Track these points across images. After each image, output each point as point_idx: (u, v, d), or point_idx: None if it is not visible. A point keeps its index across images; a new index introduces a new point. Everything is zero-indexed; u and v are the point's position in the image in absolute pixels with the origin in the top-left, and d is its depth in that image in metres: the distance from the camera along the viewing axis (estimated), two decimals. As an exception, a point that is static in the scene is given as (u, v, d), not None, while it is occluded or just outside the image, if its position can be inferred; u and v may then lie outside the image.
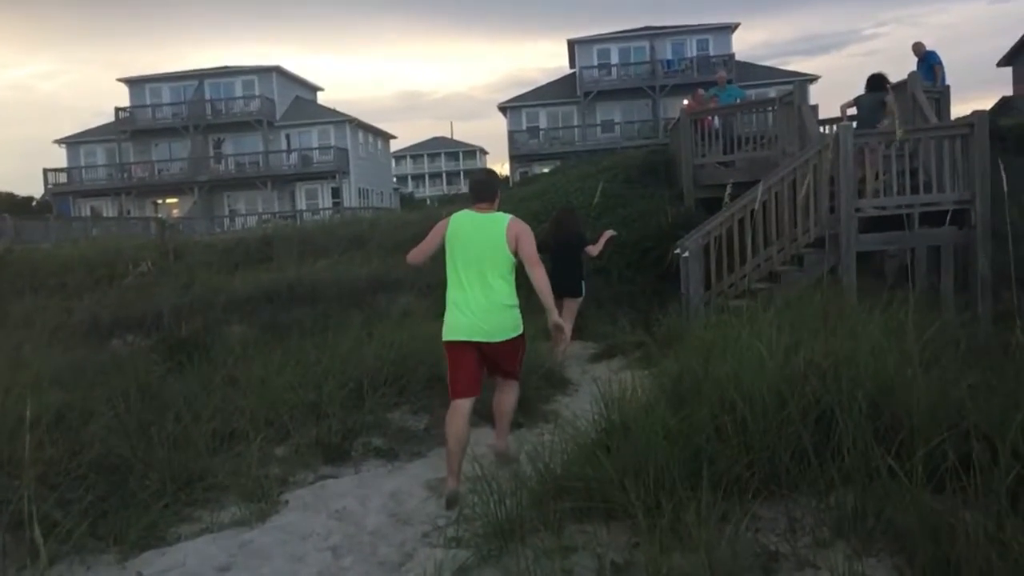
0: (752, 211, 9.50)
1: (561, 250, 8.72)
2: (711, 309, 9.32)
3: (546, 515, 3.64)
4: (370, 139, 51.27)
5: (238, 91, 46.12)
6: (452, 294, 4.89)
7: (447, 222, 4.91)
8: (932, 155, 9.30)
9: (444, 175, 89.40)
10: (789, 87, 12.92)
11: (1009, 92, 35.70)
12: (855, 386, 3.38)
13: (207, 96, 45.75)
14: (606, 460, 3.79)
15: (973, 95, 76.76)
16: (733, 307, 8.98)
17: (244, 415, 5.91)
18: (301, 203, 45.05)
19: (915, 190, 9.48)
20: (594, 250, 8.84)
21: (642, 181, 14.54)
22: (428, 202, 56.72)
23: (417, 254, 5.07)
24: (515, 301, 4.88)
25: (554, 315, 4.87)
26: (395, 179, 66.45)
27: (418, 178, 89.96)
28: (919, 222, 9.49)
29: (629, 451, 3.71)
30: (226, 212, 44.90)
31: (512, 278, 4.86)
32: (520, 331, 4.93)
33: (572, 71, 45.91)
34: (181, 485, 4.78)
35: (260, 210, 42.81)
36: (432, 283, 12.06)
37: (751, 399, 3.59)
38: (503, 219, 4.84)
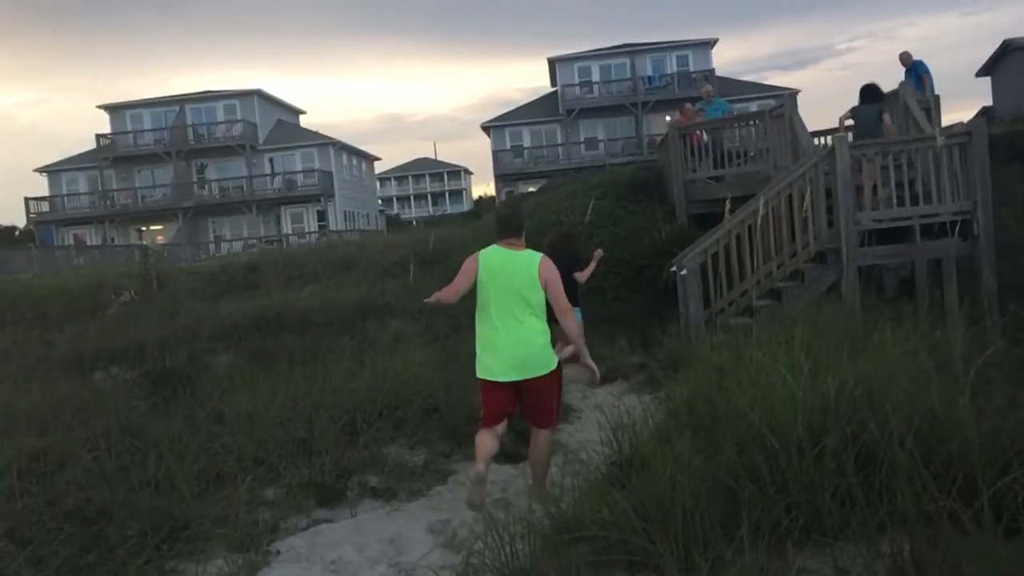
0: (750, 226, 9.29)
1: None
2: (712, 328, 9.08)
3: (561, 565, 3.34)
4: (354, 161, 51.01)
5: (220, 115, 45.77)
6: (484, 332, 4.86)
7: (477, 259, 4.85)
8: (931, 165, 9.12)
9: (429, 196, 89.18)
10: (773, 101, 12.79)
11: (989, 102, 35.96)
12: (898, 417, 3.11)
13: (189, 121, 45.37)
14: (624, 501, 3.51)
15: (953, 106, 77.24)
16: (735, 325, 8.76)
17: (231, 454, 5.59)
18: (287, 227, 44.65)
19: (914, 201, 9.30)
20: (582, 277, 8.24)
21: (632, 198, 14.32)
22: (414, 223, 56.41)
23: (450, 293, 4.90)
24: (547, 338, 4.88)
25: (586, 358, 4.98)
26: (380, 201, 66.16)
27: (403, 199, 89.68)
28: (920, 234, 9.28)
29: (648, 491, 3.42)
30: (211, 238, 44.44)
31: (544, 315, 4.86)
32: (553, 366, 4.90)
33: (554, 89, 45.92)
34: (164, 536, 4.44)
35: (245, 235, 42.39)
36: (423, 308, 11.81)
37: (781, 431, 3.31)
38: (535, 257, 4.84)
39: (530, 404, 4.88)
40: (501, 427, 4.90)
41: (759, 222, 8.88)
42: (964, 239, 9.15)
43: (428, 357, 7.70)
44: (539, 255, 4.88)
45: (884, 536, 2.83)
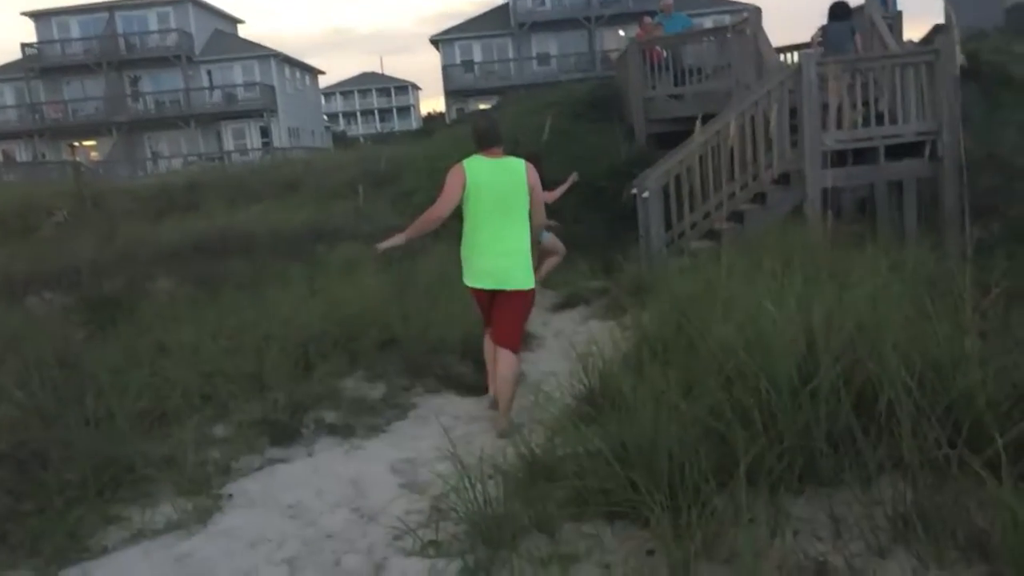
0: (713, 147, 9.03)
1: None
2: (673, 251, 8.90)
3: (537, 511, 3.15)
4: (298, 75, 49.20)
5: (152, 24, 43.43)
6: (471, 240, 4.88)
7: (463, 170, 4.80)
8: (897, 84, 8.91)
9: (376, 112, 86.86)
10: (728, 17, 12.40)
11: (941, 20, 35.88)
12: (897, 355, 2.93)
13: (119, 30, 42.97)
14: (601, 443, 3.31)
15: (906, 24, 76.88)
16: (696, 249, 8.59)
17: (176, 389, 5.26)
18: (228, 143, 43.15)
19: (879, 121, 9.13)
20: (550, 196, 8.08)
21: (590, 116, 13.94)
22: (361, 140, 55.04)
23: (442, 209, 4.81)
24: (529, 250, 4.97)
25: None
26: (326, 117, 64.28)
27: (349, 115, 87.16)
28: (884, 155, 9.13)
29: (629, 433, 3.22)
30: (148, 154, 42.76)
31: (528, 222, 4.94)
32: (531, 285, 4.96)
33: (505, 1, 44.51)
34: (106, 480, 4.14)
35: (184, 151, 40.86)
36: (374, 231, 11.40)
37: (770, 369, 3.11)
38: (520, 163, 4.92)
39: (498, 317, 4.90)
40: None
41: (728, 142, 8.60)
42: (927, 160, 9.04)
43: (383, 284, 7.37)
44: (523, 160, 4.94)
45: (883, 481, 2.68)
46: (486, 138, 4.88)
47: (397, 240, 4.97)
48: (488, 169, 4.82)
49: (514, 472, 3.55)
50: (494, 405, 5.06)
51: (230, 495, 4.06)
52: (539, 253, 6.85)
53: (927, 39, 14.86)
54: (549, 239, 8.71)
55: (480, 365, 5.55)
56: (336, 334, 6.00)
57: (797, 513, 2.74)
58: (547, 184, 8.28)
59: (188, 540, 3.56)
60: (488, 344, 5.18)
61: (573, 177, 8.82)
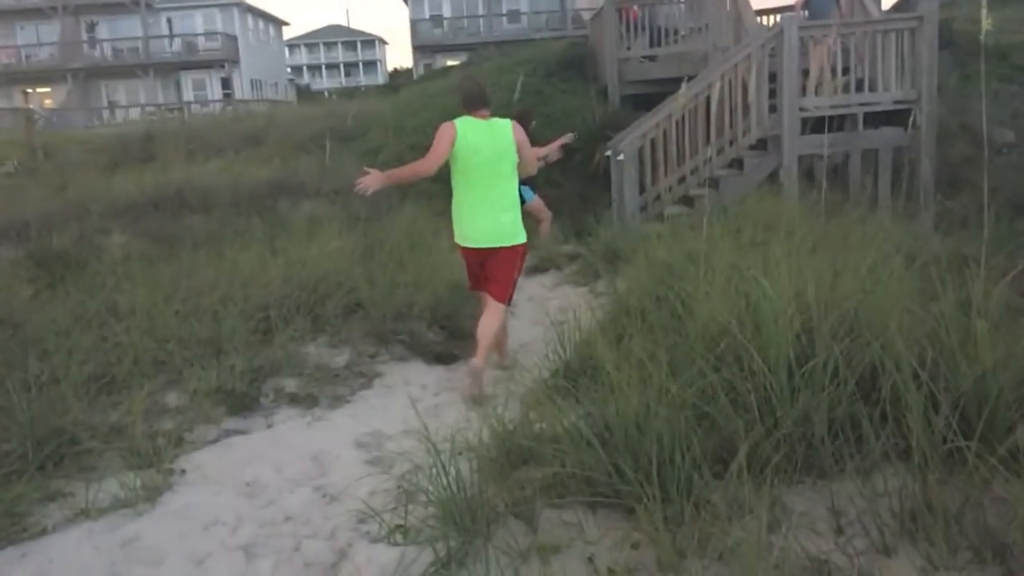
0: (690, 111, 8.80)
1: None
2: (646, 216, 8.71)
3: (514, 496, 2.95)
4: (261, 25, 47.79)
5: (110, -32, 41.76)
6: (461, 200, 5.03)
7: (453, 128, 4.90)
8: (879, 51, 8.73)
9: (342, 66, 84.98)
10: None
11: (913, -11, 35.81)
12: (901, 337, 2.74)
13: (76, -28, 41.29)
14: (583, 424, 3.12)
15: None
16: (671, 214, 8.40)
17: (128, 354, 4.96)
18: (188, 94, 41.84)
19: (857, 88, 8.96)
20: (541, 152, 7.94)
21: (562, 76, 13.61)
22: (327, 95, 53.82)
23: (431, 163, 4.90)
24: (519, 207, 5.14)
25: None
26: (289, 69, 62.73)
27: (314, 68, 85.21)
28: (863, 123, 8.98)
29: (613, 414, 3.02)
30: (104, 103, 41.33)
31: (516, 179, 5.11)
32: (522, 240, 5.10)
33: (476, -45, 43.50)
34: (49, 452, 3.85)
35: (143, 101, 39.51)
36: (338, 188, 11.02)
37: (765, 350, 2.92)
38: (507, 123, 5.05)
39: (493, 273, 5.02)
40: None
41: (711, 106, 8.37)
42: (905, 129, 8.90)
43: (348, 245, 7.08)
44: (508, 120, 5.08)
45: (888, 472, 2.51)
46: (474, 100, 5.00)
47: (376, 179, 4.74)
48: (478, 129, 4.92)
49: (487, 452, 3.33)
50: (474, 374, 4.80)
51: (182, 470, 3.80)
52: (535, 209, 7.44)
53: (898, 6, 14.70)
54: (535, 201, 8.57)
55: (450, 333, 5.33)
56: (298, 297, 5.72)
57: (796, 506, 2.56)
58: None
59: (135, 521, 3.30)
60: (480, 304, 5.17)
61: (568, 137, 8.65)
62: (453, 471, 3.02)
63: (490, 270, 5.01)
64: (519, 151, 5.01)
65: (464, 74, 7.14)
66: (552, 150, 8.40)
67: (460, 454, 3.30)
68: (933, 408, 2.54)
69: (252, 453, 3.98)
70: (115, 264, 7.64)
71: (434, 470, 3.05)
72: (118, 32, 42.05)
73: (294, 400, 4.64)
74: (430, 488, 3.05)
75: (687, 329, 3.57)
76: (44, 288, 7.13)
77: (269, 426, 4.35)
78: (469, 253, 5.07)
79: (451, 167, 4.95)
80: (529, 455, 3.21)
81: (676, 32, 12.33)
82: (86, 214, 10.47)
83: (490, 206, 4.94)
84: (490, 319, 4.95)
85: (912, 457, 2.46)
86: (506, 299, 5.04)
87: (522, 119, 8.74)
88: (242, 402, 4.54)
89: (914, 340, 2.80)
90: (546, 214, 8.86)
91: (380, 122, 13.69)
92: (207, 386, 4.60)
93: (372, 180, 4.73)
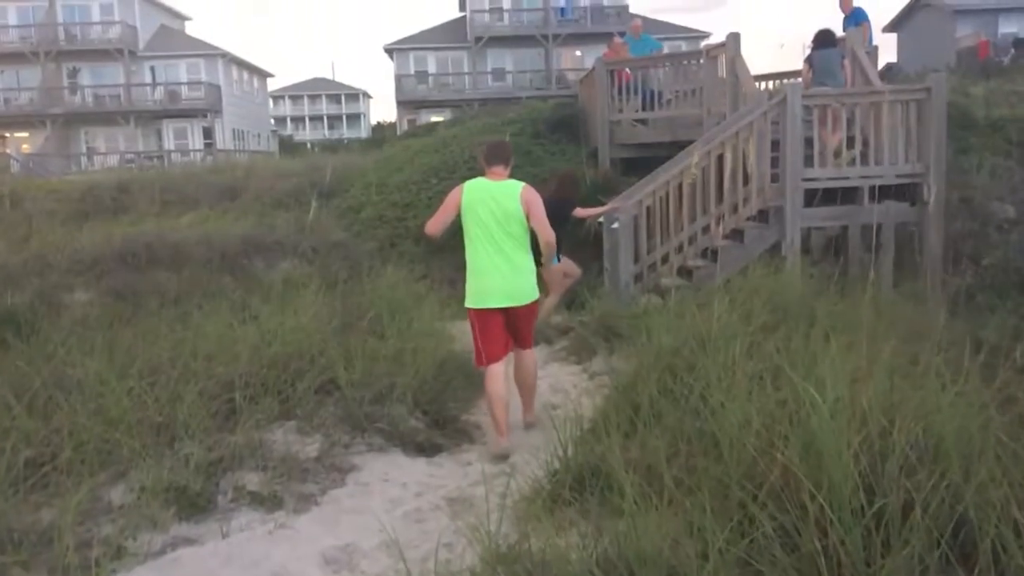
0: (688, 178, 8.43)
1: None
2: (642, 288, 8.27)
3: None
4: (245, 76, 47.76)
5: (95, 15, 41.48)
6: (475, 262, 5.06)
7: (462, 191, 5.04)
8: (884, 123, 8.44)
9: (325, 118, 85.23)
10: (684, 44, 11.92)
11: (894, 59, 36.36)
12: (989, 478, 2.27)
13: (59, 19, 40.95)
14: (593, 557, 2.61)
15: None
16: (667, 286, 7.95)
17: (70, 438, 4.39)
18: (169, 142, 41.48)
19: (863, 161, 8.65)
20: (583, 212, 8.34)
21: (551, 137, 13.28)
22: (309, 146, 53.69)
23: (436, 225, 5.15)
24: (533, 266, 5.16)
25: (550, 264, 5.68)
26: (273, 120, 62.71)
27: (298, 120, 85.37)
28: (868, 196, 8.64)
29: (630, 545, 2.51)
30: (83, 149, 40.83)
31: (528, 244, 5.09)
32: (538, 295, 5.22)
33: (462, 14, 43.91)
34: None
35: (122, 148, 39.05)
36: (317, 247, 10.54)
37: (819, 477, 2.43)
38: (516, 187, 5.02)
39: (518, 329, 5.16)
40: (502, 366, 5.07)
41: (714, 174, 8.02)
42: (911, 204, 8.59)
43: (325, 312, 6.55)
44: (521, 183, 5.06)
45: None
46: (492, 155, 5.13)
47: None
48: (485, 191, 5.00)
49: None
50: (503, 458, 4.77)
51: (118, 593, 3.22)
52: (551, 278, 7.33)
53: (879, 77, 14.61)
54: (564, 261, 8.12)
55: (434, 422, 4.80)
56: (267, 375, 5.16)
57: None
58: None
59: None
60: (493, 381, 4.98)
61: (610, 206, 8.27)
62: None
63: (512, 326, 5.10)
64: (530, 215, 4.95)
65: (490, 139, 6.99)
66: (591, 215, 8.41)
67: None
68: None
69: (201, 570, 3.40)
70: (71, 327, 7.08)
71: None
72: (101, 79, 41.76)
73: (255, 500, 4.06)
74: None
75: (713, 437, 3.08)
76: (-6, 350, 6.55)
77: (224, 535, 3.75)
78: (487, 315, 5.01)
79: (463, 229, 5.07)
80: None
81: (674, 94, 12.08)
82: (48, 269, 9.93)
83: (503, 268, 4.96)
84: (527, 366, 5.25)
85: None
86: (532, 342, 5.36)
87: (565, 186, 8.45)
88: (196, 503, 3.96)
89: (1010, 479, 2.32)
90: (576, 271, 8.45)
91: (363, 179, 13.29)
92: (157, 482, 4.02)
93: None
